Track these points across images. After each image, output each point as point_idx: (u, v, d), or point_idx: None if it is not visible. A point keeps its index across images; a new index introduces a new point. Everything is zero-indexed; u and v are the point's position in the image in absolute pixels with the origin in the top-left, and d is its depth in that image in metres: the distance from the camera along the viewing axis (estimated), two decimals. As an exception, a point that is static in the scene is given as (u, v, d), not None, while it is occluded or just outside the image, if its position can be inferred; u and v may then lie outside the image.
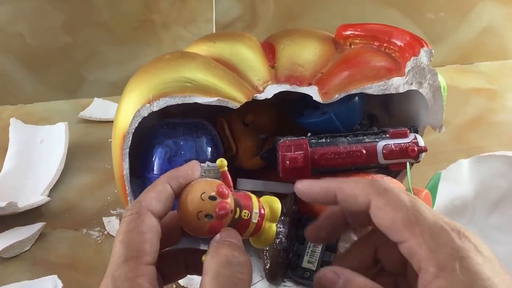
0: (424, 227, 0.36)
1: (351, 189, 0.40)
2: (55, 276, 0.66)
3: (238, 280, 0.36)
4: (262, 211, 0.42)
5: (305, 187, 0.43)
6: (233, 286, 0.35)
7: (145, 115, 0.60)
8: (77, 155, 0.92)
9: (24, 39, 1.01)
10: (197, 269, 0.43)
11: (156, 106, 0.60)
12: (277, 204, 0.43)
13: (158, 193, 0.40)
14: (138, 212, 0.38)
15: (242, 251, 0.38)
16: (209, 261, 0.37)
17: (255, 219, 0.42)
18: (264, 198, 0.44)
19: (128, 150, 0.61)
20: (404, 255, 0.37)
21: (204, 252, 0.40)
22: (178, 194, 0.41)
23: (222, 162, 0.43)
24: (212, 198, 0.39)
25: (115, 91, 1.07)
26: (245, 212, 0.41)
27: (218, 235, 0.39)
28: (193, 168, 0.42)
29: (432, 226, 0.36)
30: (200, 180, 0.41)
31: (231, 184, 0.43)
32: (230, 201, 0.40)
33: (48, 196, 0.81)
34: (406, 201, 0.37)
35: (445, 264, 0.34)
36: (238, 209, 0.41)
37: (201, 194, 0.39)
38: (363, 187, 0.39)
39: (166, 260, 0.43)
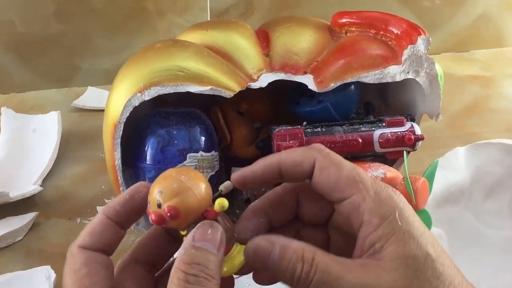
0: (368, 184, 0.39)
1: (293, 157, 0.40)
2: (48, 267, 0.66)
3: None
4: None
5: (244, 172, 0.41)
6: None
7: (136, 105, 0.59)
8: (70, 144, 0.92)
9: (15, 27, 1.00)
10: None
11: (148, 95, 0.59)
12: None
13: (92, 227, 0.39)
14: (72, 253, 0.38)
15: (213, 270, 0.35)
16: (171, 277, 0.35)
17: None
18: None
19: (119, 140, 0.60)
20: (341, 213, 0.40)
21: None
22: (119, 222, 0.40)
23: (222, 203, 0.38)
24: (159, 205, 0.37)
25: (109, 79, 1.04)
26: None
27: (190, 234, 0.36)
28: (133, 191, 0.40)
29: (373, 184, 0.39)
30: (183, 175, 0.38)
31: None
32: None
33: (41, 186, 0.81)
34: (347, 162, 0.40)
35: (387, 215, 0.37)
36: None
37: (158, 192, 0.37)
38: (306, 152, 0.40)
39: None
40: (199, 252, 0.35)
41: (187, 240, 0.36)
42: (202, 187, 0.37)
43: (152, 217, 0.37)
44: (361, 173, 0.39)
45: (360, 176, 0.39)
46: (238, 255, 0.38)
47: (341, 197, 0.39)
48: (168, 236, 0.42)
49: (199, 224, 0.37)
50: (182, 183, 0.37)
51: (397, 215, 0.37)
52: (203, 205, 0.37)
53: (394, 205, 0.38)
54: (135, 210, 0.40)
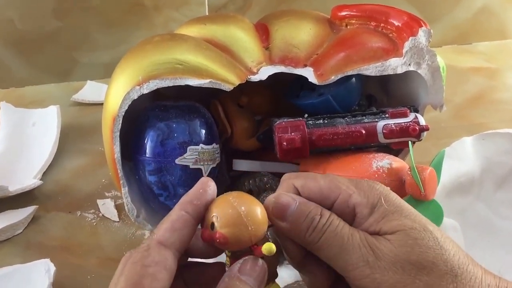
0: (346, 182, 0.42)
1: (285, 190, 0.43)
2: (48, 260, 0.66)
3: None
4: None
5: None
6: None
7: (135, 98, 0.58)
8: (70, 138, 0.92)
9: (15, 24, 1.00)
10: (197, 285, 0.43)
11: (146, 89, 0.58)
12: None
13: (172, 223, 0.39)
14: (148, 245, 0.37)
15: None
16: None
17: None
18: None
19: (118, 133, 0.60)
20: (338, 213, 0.42)
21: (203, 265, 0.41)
22: (198, 218, 0.39)
23: (270, 248, 0.38)
24: (212, 226, 0.38)
25: (107, 73, 1.04)
26: None
27: (235, 266, 0.38)
28: (203, 185, 0.40)
29: (351, 181, 0.42)
30: (240, 202, 0.39)
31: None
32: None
33: (40, 179, 0.81)
34: (319, 174, 0.44)
35: (374, 203, 0.40)
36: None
37: (215, 216, 0.38)
38: (286, 183, 0.44)
39: None
40: (242, 285, 0.36)
41: (233, 270, 0.37)
42: (258, 224, 0.38)
43: (202, 234, 0.39)
44: (335, 177, 0.43)
45: (336, 179, 0.42)
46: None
47: (330, 203, 0.42)
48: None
49: (248, 258, 0.38)
50: (240, 217, 0.38)
51: (383, 200, 0.40)
52: (254, 240, 0.38)
53: (378, 192, 0.41)
54: (208, 204, 0.40)
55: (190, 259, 0.43)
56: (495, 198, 0.69)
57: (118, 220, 0.74)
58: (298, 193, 0.43)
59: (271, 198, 0.41)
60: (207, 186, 0.40)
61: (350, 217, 0.41)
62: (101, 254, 0.69)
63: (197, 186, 0.40)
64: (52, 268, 0.65)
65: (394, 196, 0.41)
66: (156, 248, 0.37)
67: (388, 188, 0.42)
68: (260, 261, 0.38)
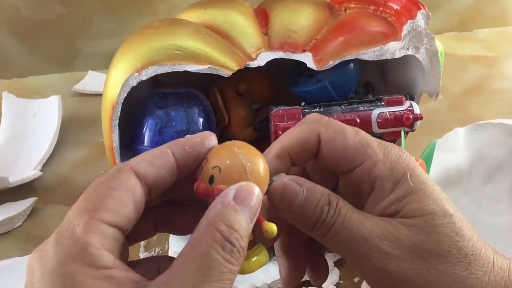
0: (375, 147, 0.38)
1: (298, 138, 0.39)
2: (46, 252, 0.65)
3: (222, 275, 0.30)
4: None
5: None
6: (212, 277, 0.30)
7: (134, 85, 0.58)
8: (70, 128, 0.91)
9: (19, 11, 0.99)
10: (168, 227, 0.39)
11: (145, 75, 0.58)
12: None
13: (153, 156, 0.34)
14: (119, 169, 0.33)
15: (245, 244, 0.32)
16: (202, 230, 0.31)
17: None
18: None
19: (117, 121, 0.60)
20: (349, 182, 0.39)
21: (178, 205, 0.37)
22: (183, 166, 0.35)
23: (272, 229, 0.34)
24: (211, 179, 0.34)
25: (108, 63, 1.05)
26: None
27: (230, 194, 0.32)
28: (204, 137, 0.36)
29: (380, 146, 0.38)
30: (241, 149, 0.34)
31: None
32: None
33: (40, 171, 0.80)
34: (349, 128, 0.39)
35: (399, 178, 0.37)
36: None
37: (216, 167, 0.34)
38: (308, 128, 0.39)
39: None
40: (239, 217, 0.32)
41: (226, 196, 0.32)
42: (261, 182, 0.34)
43: (197, 187, 0.34)
44: (365, 137, 0.38)
45: (366, 141, 0.38)
46: (259, 255, 0.36)
47: (350, 167, 0.38)
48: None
49: (243, 185, 0.33)
50: (245, 173, 0.34)
51: (408, 176, 0.37)
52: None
53: (405, 165, 0.37)
54: (200, 158, 0.36)
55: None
56: (483, 192, 0.68)
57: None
58: (318, 144, 0.38)
59: (279, 184, 0.37)
60: (207, 138, 0.36)
61: (369, 187, 0.38)
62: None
63: (197, 135, 0.36)
64: (50, 260, 0.64)
65: (420, 171, 0.38)
66: (127, 173, 0.33)
67: (414, 159, 0.39)
68: (257, 190, 0.33)
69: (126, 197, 0.32)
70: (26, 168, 0.81)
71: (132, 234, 0.35)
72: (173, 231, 0.40)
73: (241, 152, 0.34)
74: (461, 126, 0.69)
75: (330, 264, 0.64)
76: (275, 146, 0.39)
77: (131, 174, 0.33)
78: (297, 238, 0.42)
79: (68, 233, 0.31)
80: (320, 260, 0.43)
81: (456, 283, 0.36)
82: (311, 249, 0.43)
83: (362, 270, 0.37)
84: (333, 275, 0.64)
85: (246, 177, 0.33)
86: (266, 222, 0.34)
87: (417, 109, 0.62)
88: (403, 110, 0.61)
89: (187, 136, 0.37)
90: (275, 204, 0.37)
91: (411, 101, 0.62)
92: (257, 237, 0.36)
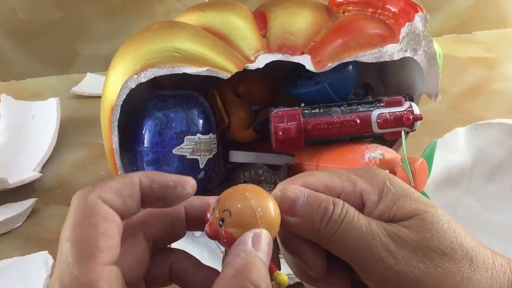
0: (345, 173, 0.39)
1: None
2: (46, 252, 0.66)
3: None
4: None
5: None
6: None
7: (133, 87, 0.59)
8: (69, 130, 0.91)
9: (16, 14, 1.00)
10: (183, 280, 0.38)
11: (144, 77, 0.58)
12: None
13: (120, 185, 0.33)
14: (87, 200, 0.32)
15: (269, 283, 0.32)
16: (230, 278, 0.31)
17: None
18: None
19: (116, 123, 0.60)
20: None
21: (196, 262, 0.37)
22: (146, 197, 0.34)
23: (283, 280, 0.34)
24: (220, 223, 0.34)
25: (107, 66, 1.05)
26: None
27: (248, 241, 0.33)
28: (180, 183, 0.35)
29: (350, 171, 0.40)
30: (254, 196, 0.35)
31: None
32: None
33: (40, 172, 0.80)
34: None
35: (381, 188, 0.38)
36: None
37: (227, 211, 0.34)
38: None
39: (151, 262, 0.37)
40: (263, 264, 0.32)
41: (246, 244, 0.33)
42: (272, 225, 0.35)
43: (208, 229, 0.35)
44: (334, 169, 0.40)
45: (335, 171, 0.40)
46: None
47: (335, 196, 0.38)
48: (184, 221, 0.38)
49: (257, 233, 0.33)
50: (254, 218, 0.34)
51: (389, 184, 0.38)
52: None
53: (381, 177, 0.39)
54: (165, 202, 0.35)
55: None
56: (485, 191, 0.68)
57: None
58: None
59: (276, 192, 0.38)
60: (182, 185, 0.35)
61: (359, 206, 0.38)
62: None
63: (174, 176, 0.35)
64: (50, 260, 0.65)
65: (398, 180, 0.39)
66: (99, 204, 0.32)
67: (387, 171, 0.41)
68: (267, 236, 0.33)
69: (109, 228, 0.32)
70: (26, 170, 0.81)
71: (150, 278, 0.36)
72: (185, 283, 0.39)
73: (252, 196, 0.35)
74: (462, 126, 0.69)
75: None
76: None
77: (102, 203, 0.32)
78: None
79: (73, 284, 0.30)
80: (318, 250, 0.42)
81: (464, 281, 0.36)
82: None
83: (369, 273, 0.37)
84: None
85: (256, 222, 0.34)
86: (279, 272, 0.34)
87: (416, 110, 0.62)
88: (403, 110, 0.62)
89: (165, 173, 0.36)
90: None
91: (411, 102, 0.63)
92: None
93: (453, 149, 0.67)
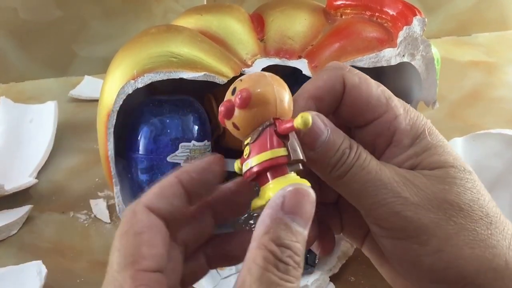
0: (397, 101, 0.38)
1: (325, 84, 0.38)
2: (40, 262, 0.65)
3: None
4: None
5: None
6: None
7: (130, 92, 0.58)
8: (66, 135, 0.90)
9: (18, 14, 0.99)
10: (222, 259, 0.38)
11: (141, 83, 0.58)
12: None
13: (161, 188, 0.34)
14: (134, 210, 0.33)
15: (301, 256, 0.30)
16: (253, 252, 0.30)
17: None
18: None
19: (112, 129, 0.59)
20: (366, 136, 0.38)
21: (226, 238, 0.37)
22: (191, 191, 0.34)
23: (307, 119, 0.32)
24: (233, 91, 0.34)
25: (105, 68, 1.04)
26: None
27: (278, 203, 0.30)
28: (211, 162, 0.36)
29: (400, 101, 0.38)
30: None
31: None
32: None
33: (36, 178, 0.80)
34: (372, 80, 0.38)
35: (417, 134, 0.37)
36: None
37: (238, 80, 0.34)
38: (333, 73, 0.38)
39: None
40: (291, 230, 0.30)
41: (274, 206, 0.30)
42: (284, 91, 0.34)
43: (221, 109, 0.34)
44: (387, 90, 0.38)
45: (388, 93, 0.38)
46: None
47: (370, 119, 0.37)
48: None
49: (293, 189, 0.31)
50: (266, 79, 0.34)
51: (427, 132, 0.37)
52: (278, 109, 0.34)
53: (423, 123, 0.38)
54: (209, 184, 0.35)
55: None
56: None
57: (109, 221, 0.73)
58: (343, 90, 0.37)
59: (298, 111, 0.34)
60: (215, 163, 0.36)
61: (386, 141, 0.37)
62: (91, 258, 0.68)
63: (204, 160, 0.36)
64: (44, 270, 0.64)
65: (437, 131, 0.38)
66: (144, 213, 0.33)
67: (429, 120, 0.38)
68: (311, 192, 0.31)
69: (154, 236, 0.32)
70: (22, 175, 0.80)
71: (186, 277, 0.36)
72: (228, 262, 0.39)
73: (270, 76, 0.35)
74: (460, 135, 0.68)
75: (326, 279, 0.63)
76: (302, 94, 0.38)
77: (148, 212, 0.33)
78: None
79: None
80: (326, 228, 0.41)
81: (476, 241, 0.35)
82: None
83: (374, 218, 0.36)
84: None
85: (267, 81, 0.34)
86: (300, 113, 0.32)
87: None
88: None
89: (193, 161, 0.37)
90: (299, 138, 0.35)
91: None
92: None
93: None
